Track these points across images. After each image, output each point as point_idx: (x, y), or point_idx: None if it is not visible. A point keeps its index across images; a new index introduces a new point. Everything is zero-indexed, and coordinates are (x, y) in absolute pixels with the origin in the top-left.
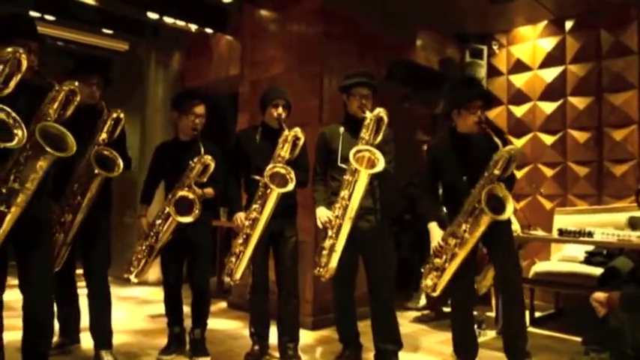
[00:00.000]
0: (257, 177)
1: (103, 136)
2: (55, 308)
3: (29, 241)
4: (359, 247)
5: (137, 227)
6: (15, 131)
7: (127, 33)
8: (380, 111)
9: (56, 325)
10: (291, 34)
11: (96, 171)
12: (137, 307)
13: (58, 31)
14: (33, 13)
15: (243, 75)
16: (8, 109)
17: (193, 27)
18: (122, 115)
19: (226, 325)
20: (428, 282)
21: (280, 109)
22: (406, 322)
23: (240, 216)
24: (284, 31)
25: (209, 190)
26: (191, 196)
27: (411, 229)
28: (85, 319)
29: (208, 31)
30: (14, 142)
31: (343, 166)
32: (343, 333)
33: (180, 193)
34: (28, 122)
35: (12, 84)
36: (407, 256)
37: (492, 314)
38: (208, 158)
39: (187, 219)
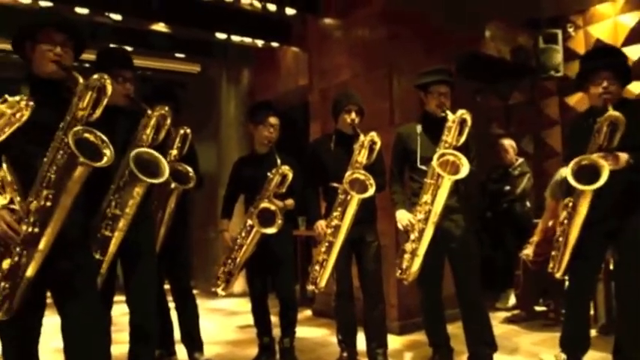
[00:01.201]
0: (335, 184)
1: (174, 152)
2: None
3: (132, 262)
4: (444, 247)
5: (220, 242)
6: (103, 151)
7: (198, 55)
8: (463, 113)
9: None
10: (356, 38)
11: (172, 185)
12: (226, 319)
13: (135, 59)
14: (112, 45)
15: (312, 84)
16: (95, 130)
17: (260, 42)
18: (189, 131)
19: (313, 333)
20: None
21: (353, 115)
22: (497, 322)
23: (322, 224)
24: (349, 37)
25: (290, 202)
26: (272, 207)
27: (493, 227)
28: (177, 332)
29: (274, 44)
30: (103, 162)
31: (423, 167)
32: (432, 336)
33: (262, 205)
34: (125, 147)
35: (99, 109)
36: (490, 255)
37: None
38: (286, 169)
39: (271, 230)
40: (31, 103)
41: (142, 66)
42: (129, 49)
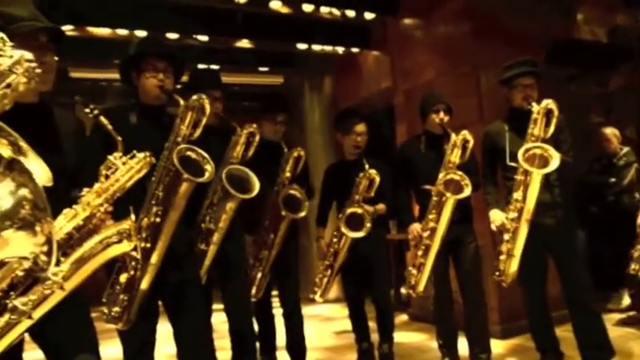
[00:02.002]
0: (428, 187)
1: (287, 175)
2: (256, 329)
3: (227, 273)
4: (545, 245)
5: (314, 249)
6: (205, 167)
7: (281, 67)
8: (548, 103)
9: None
10: (437, 37)
11: (283, 213)
12: (322, 325)
13: (222, 76)
14: (201, 66)
15: (396, 86)
16: (196, 148)
17: (340, 49)
18: (303, 153)
19: (411, 337)
20: None
21: (442, 114)
22: (609, 325)
23: (416, 227)
24: (430, 36)
25: (381, 207)
26: (360, 211)
27: (600, 222)
28: (280, 339)
29: (354, 50)
30: (205, 177)
31: (513, 164)
32: (539, 340)
33: (350, 209)
34: (217, 165)
35: (199, 128)
36: (598, 252)
37: None
38: (373, 172)
39: (359, 234)
40: (153, 160)
41: (229, 82)
42: (215, 67)
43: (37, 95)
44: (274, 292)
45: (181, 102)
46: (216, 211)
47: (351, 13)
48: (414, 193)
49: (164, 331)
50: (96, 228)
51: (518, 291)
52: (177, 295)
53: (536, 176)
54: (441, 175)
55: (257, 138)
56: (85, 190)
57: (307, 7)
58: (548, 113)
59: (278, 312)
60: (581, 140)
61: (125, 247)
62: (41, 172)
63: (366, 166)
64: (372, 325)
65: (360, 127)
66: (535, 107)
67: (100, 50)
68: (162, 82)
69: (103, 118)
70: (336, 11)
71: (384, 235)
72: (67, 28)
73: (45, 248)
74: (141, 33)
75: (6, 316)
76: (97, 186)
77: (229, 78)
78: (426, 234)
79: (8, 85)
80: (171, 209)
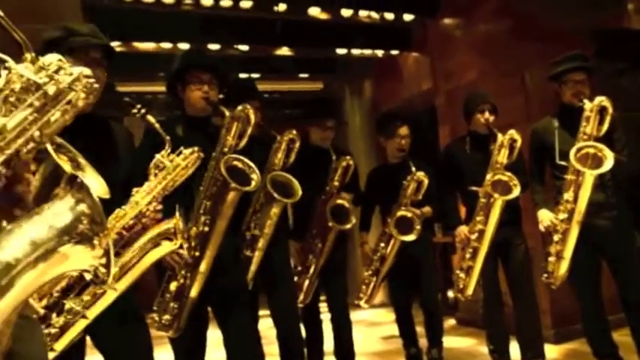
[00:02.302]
0: (475, 188)
1: (335, 184)
2: (304, 334)
3: (273, 279)
4: (598, 247)
5: (358, 254)
6: (251, 176)
7: (320, 73)
8: (602, 100)
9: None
10: (479, 36)
11: (330, 224)
12: (368, 330)
13: (262, 85)
14: (242, 75)
15: (437, 87)
16: (242, 157)
17: (380, 53)
18: (352, 162)
19: (460, 342)
20: None
21: (487, 114)
22: None
23: (464, 230)
24: (471, 35)
25: (427, 210)
26: (409, 214)
27: None
28: (328, 345)
29: (394, 52)
30: (252, 186)
31: (563, 163)
32: (596, 345)
33: (399, 212)
34: (260, 173)
35: (245, 138)
36: None
37: None
38: (421, 175)
39: (410, 237)
40: (202, 154)
41: (269, 90)
42: (256, 75)
43: (89, 107)
44: (322, 297)
45: (227, 113)
46: (261, 218)
47: (389, 16)
48: (460, 195)
49: (214, 337)
50: (146, 227)
51: (571, 294)
52: (226, 301)
53: (589, 177)
54: (488, 176)
55: (297, 144)
56: (135, 189)
57: (346, 12)
58: (602, 111)
59: (326, 317)
60: (634, 138)
61: (171, 246)
62: (98, 186)
63: (413, 169)
64: (419, 329)
65: (404, 130)
66: (588, 104)
67: (145, 64)
68: (207, 94)
69: (150, 117)
70: (374, 14)
71: (430, 238)
72: (114, 44)
73: (103, 260)
74: (183, 46)
75: (63, 317)
76: (145, 185)
77: (270, 86)
78: (473, 236)
79: (69, 102)
80: (219, 218)
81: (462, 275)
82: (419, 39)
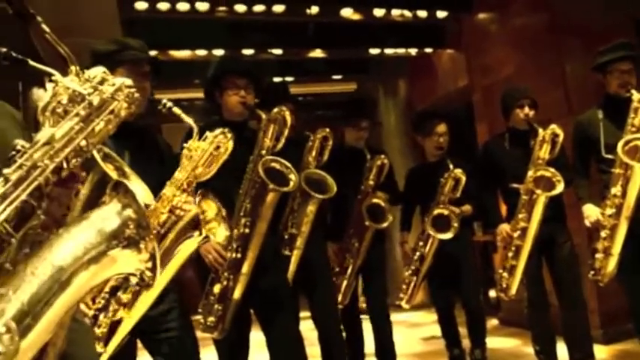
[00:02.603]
0: (516, 185)
1: (370, 183)
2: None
3: (312, 280)
4: None
5: (397, 254)
6: (289, 177)
7: (353, 74)
8: None
9: None
10: (515, 29)
11: (367, 223)
12: (409, 331)
13: (296, 88)
14: (276, 79)
15: (473, 84)
16: (279, 159)
17: (413, 51)
18: (386, 161)
19: (503, 343)
20: None
21: (527, 109)
22: None
23: (505, 228)
24: (507, 29)
25: (467, 208)
26: (446, 212)
27: None
28: (369, 346)
29: (428, 50)
30: (290, 186)
31: (610, 156)
32: None
33: (436, 211)
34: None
35: (282, 139)
36: None
37: None
38: (458, 172)
39: (446, 235)
40: (230, 134)
41: (303, 93)
42: (290, 79)
43: (132, 116)
44: (361, 298)
45: (263, 116)
46: (298, 216)
47: (422, 14)
48: (501, 192)
49: (257, 339)
50: (178, 219)
51: (621, 292)
52: (268, 302)
53: (639, 170)
54: (530, 173)
55: (330, 142)
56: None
57: (378, 12)
58: None
59: (365, 318)
60: None
61: (197, 240)
62: (143, 193)
63: (451, 166)
64: (461, 330)
65: (441, 128)
66: (636, 95)
67: (181, 71)
68: (244, 99)
69: (175, 109)
70: (407, 13)
71: (470, 237)
72: (151, 53)
73: (149, 264)
74: (218, 52)
75: (109, 317)
76: (173, 177)
77: (303, 88)
78: (516, 234)
79: (112, 112)
80: (259, 220)
81: (505, 274)
82: (453, 36)
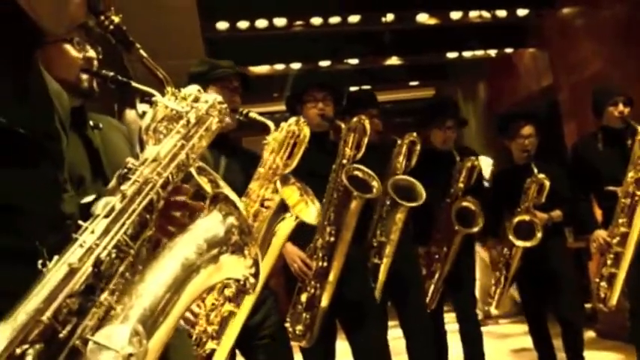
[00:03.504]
0: (612, 188)
1: (460, 186)
2: None
3: (402, 288)
4: None
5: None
6: (372, 184)
7: (431, 79)
8: None
9: None
10: (603, 23)
11: (456, 227)
12: (497, 342)
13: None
14: (352, 88)
15: (559, 82)
16: (362, 167)
17: (492, 52)
18: (477, 163)
19: (603, 357)
20: None
21: (621, 106)
22: None
23: (602, 234)
24: (594, 23)
25: (557, 213)
26: (529, 218)
27: None
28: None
29: (508, 51)
30: (373, 193)
31: None
32: None
33: (518, 217)
34: (382, 179)
35: (362, 148)
36: None
37: None
38: (541, 177)
39: (529, 243)
40: (302, 120)
41: (380, 100)
42: (367, 87)
43: (225, 130)
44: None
45: (342, 126)
46: (386, 224)
47: (502, 13)
48: (595, 196)
49: (342, 349)
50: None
51: None
52: (354, 311)
53: None
54: (630, 174)
55: (418, 147)
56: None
57: (455, 15)
58: None
59: (449, 328)
60: None
61: (291, 220)
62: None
63: (535, 171)
64: (555, 343)
65: (528, 130)
66: None
67: (260, 86)
68: (322, 111)
69: (252, 113)
70: (486, 13)
71: (563, 243)
72: None
73: (253, 270)
74: (295, 65)
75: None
76: (257, 172)
77: (380, 96)
78: (615, 240)
79: (206, 129)
80: (344, 228)
81: (603, 284)
82: (535, 34)
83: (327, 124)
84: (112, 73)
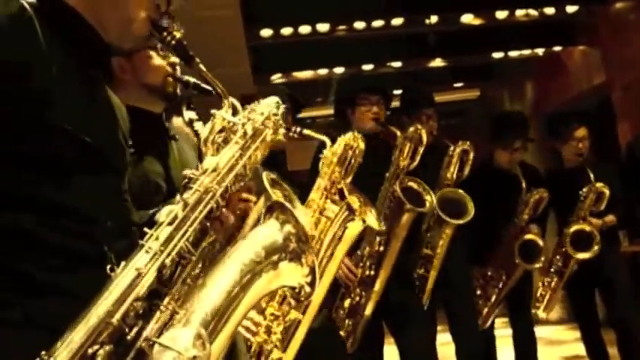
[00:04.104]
0: None
1: (525, 217)
2: None
3: (451, 297)
4: None
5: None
6: (425, 197)
7: (476, 80)
8: None
9: None
10: None
11: (517, 261)
12: (547, 349)
13: None
14: (397, 91)
15: (612, 81)
16: (417, 179)
17: (540, 51)
18: (545, 195)
19: None
20: None
21: None
22: None
23: None
24: None
25: (610, 219)
26: (587, 228)
27: None
28: None
29: (556, 49)
30: (426, 207)
31: None
32: None
33: (575, 227)
34: (432, 187)
35: (417, 157)
36: None
37: None
38: (601, 186)
39: (587, 255)
40: (359, 135)
41: None
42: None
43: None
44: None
45: (398, 133)
46: (433, 237)
47: (550, 11)
48: None
49: (390, 353)
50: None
51: None
52: (400, 314)
53: None
54: None
55: (471, 156)
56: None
57: (501, 14)
58: None
59: (498, 333)
60: None
61: (359, 222)
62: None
63: (592, 177)
64: (609, 350)
65: (581, 132)
66: None
67: (304, 91)
68: (377, 115)
69: (306, 131)
70: (533, 11)
71: (618, 248)
72: (276, 77)
73: (309, 279)
74: (339, 70)
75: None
76: (317, 184)
77: None
78: None
79: (262, 140)
80: (394, 238)
81: None
82: (585, 30)
83: (380, 129)
84: (193, 80)
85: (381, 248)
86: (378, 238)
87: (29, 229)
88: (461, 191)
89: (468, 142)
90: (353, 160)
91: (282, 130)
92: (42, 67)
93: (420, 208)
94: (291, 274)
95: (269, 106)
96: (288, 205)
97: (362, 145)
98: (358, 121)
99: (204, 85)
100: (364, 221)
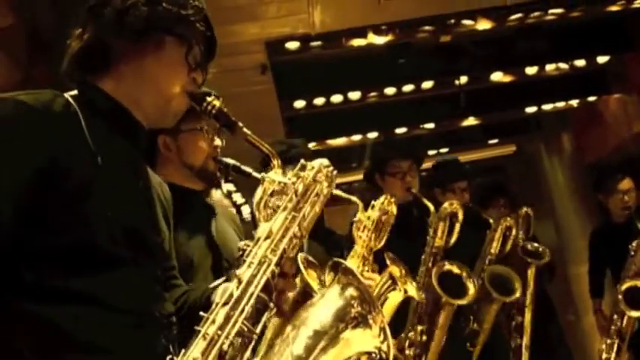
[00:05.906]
0: None
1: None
2: None
3: None
4: None
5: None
6: (467, 284)
7: (511, 135)
8: None
9: None
10: None
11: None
12: None
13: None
14: (431, 152)
15: None
16: (457, 263)
17: (574, 102)
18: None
19: None
20: None
21: None
22: None
23: None
24: None
25: None
26: None
27: None
28: None
29: (591, 99)
30: (466, 298)
31: None
32: None
33: (627, 284)
34: (473, 260)
35: (454, 235)
36: None
37: None
38: None
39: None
40: (392, 199)
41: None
42: (444, 150)
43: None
44: None
45: (431, 209)
46: (480, 312)
47: (580, 63)
48: None
49: None
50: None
51: None
52: None
53: None
54: None
55: (514, 232)
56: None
57: (530, 70)
58: None
59: None
60: None
61: (400, 292)
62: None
63: None
64: None
65: (626, 184)
66: None
67: (338, 157)
68: (409, 184)
69: (337, 191)
70: (563, 65)
71: None
72: (311, 145)
73: (381, 338)
74: (372, 135)
75: None
76: (353, 250)
77: (459, 157)
78: None
79: (316, 194)
80: (436, 328)
81: None
82: (619, 78)
83: (411, 198)
84: (233, 162)
85: (424, 338)
86: (419, 327)
87: (67, 325)
88: (508, 268)
89: (510, 220)
90: (386, 225)
91: (335, 182)
92: (86, 161)
93: (459, 299)
94: (361, 340)
95: (319, 161)
96: (350, 266)
97: (394, 210)
98: (390, 189)
99: (243, 168)
100: (406, 291)
